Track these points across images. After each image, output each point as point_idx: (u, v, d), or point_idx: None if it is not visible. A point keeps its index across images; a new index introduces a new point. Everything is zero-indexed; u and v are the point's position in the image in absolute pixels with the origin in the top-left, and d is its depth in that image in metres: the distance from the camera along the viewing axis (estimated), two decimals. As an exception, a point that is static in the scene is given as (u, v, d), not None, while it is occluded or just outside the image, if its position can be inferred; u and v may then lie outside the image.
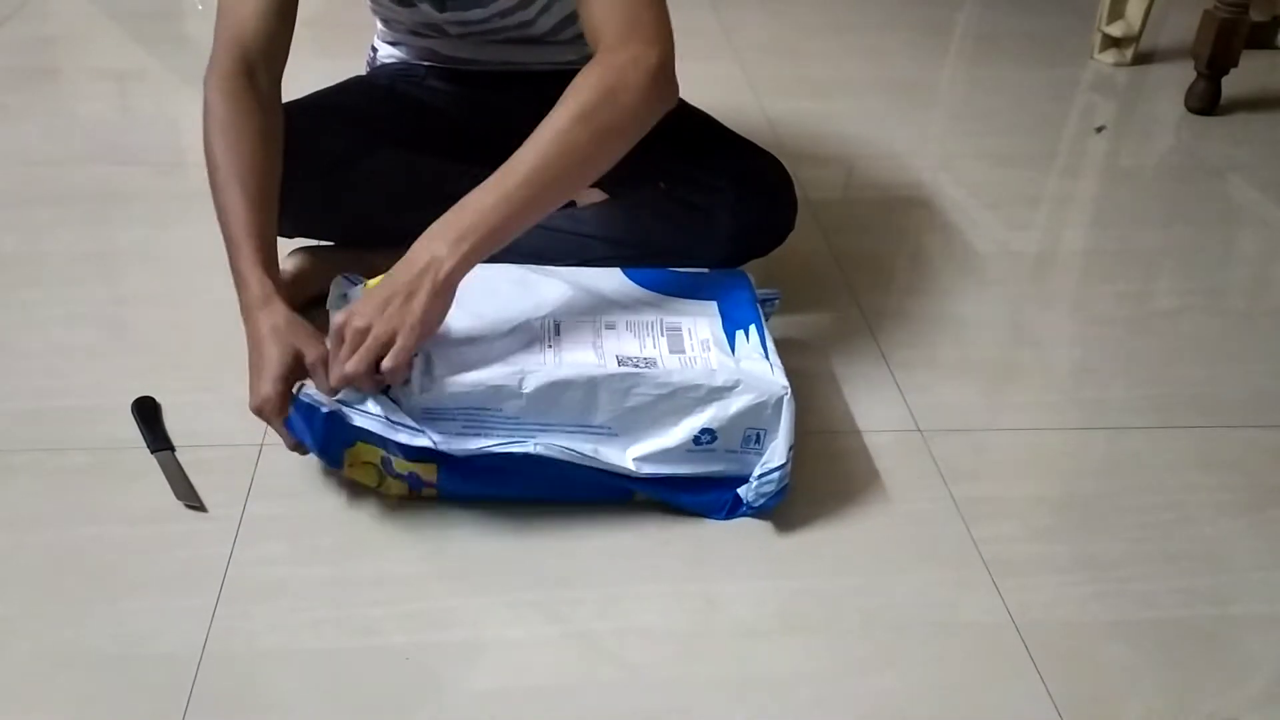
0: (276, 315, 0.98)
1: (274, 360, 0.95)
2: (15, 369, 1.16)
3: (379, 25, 1.34)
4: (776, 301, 1.12)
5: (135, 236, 1.41)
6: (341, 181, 1.15)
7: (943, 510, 1.03)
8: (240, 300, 1.00)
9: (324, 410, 0.92)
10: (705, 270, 1.13)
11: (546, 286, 1.06)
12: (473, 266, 0.94)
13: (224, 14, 1.08)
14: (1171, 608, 0.94)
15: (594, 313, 1.03)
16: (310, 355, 0.96)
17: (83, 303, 1.27)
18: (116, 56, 2.00)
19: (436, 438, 0.92)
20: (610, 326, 1.02)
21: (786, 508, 1.02)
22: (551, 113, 0.98)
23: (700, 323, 1.04)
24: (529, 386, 0.94)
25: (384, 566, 0.94)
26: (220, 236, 1.02)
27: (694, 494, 0.99)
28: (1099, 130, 1.87)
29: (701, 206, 1.19)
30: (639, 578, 0.95)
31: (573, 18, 1.22)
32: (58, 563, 0.93)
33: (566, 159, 0.96)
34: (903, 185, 1.65)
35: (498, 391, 0.94)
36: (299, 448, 0.97)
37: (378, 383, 0.93)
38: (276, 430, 0.97)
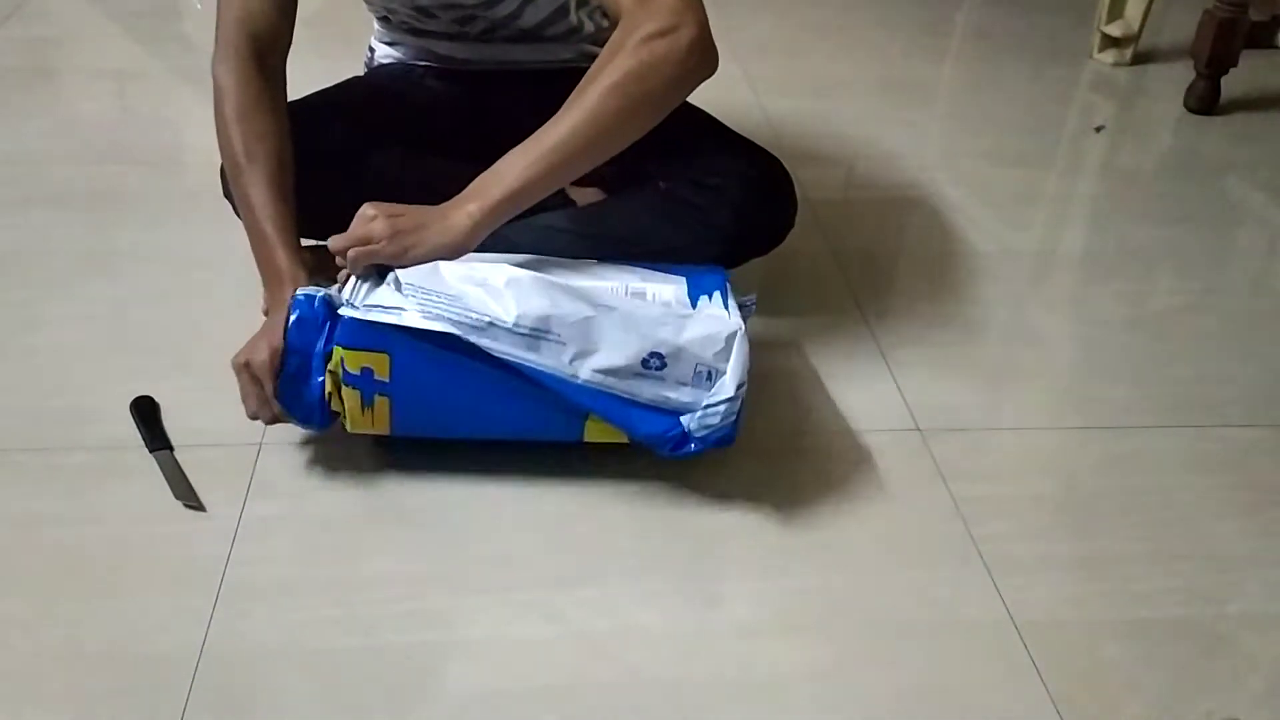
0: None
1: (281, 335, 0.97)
2: (14, 368, 1.16)
3: (376, 25, 1.34)
4: (752, 307, 1.11)
5: (134, 236, 1.41)
6: (339, 181, 1.15)
7: (942, 510, 1.03)
8: (277, 295, 1.01)
9: (320, 295, 0.95)
10: (682, 266, 1.12)
11: (516, 263, 1.06)
12: (495, 225, 0.99)
13: (226, 2, 1.08)
14: (1170, 607, 0.94)
15: (562, 282, 1.04)
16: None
17: (82, 302, 1.27)
18: (116, 56, 2.00)
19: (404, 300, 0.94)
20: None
21: (786, 507, 1.02)
22: (585, 82, 0.99)
23: (665, 288, 1.05)
24: (498, 279, 0.95)
25: (383, 566, 0.94)
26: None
27: (643, 421, 0.98)
28: (1098, 130, 1.87)
29: (701, 206, 1.19)
30: (639, 577, 0.95)
31: (563, 10, 1.22)
32: (56, 562, 0.93)
33: (598, 129, 0.98)
34: (902, 184, 1.65)
35: (467, 279, 0.95)
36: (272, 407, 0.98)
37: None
38: (247, 394, 0.99)
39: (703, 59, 1.01)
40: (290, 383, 0.97)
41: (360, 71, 1.37)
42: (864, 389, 1.19)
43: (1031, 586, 0.95)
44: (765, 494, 1.03)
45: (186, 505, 0.99)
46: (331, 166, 1.14)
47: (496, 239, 1.21)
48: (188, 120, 1.66)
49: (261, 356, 0.97)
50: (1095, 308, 1.38)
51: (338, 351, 0.95)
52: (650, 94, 0.99)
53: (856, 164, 1.72)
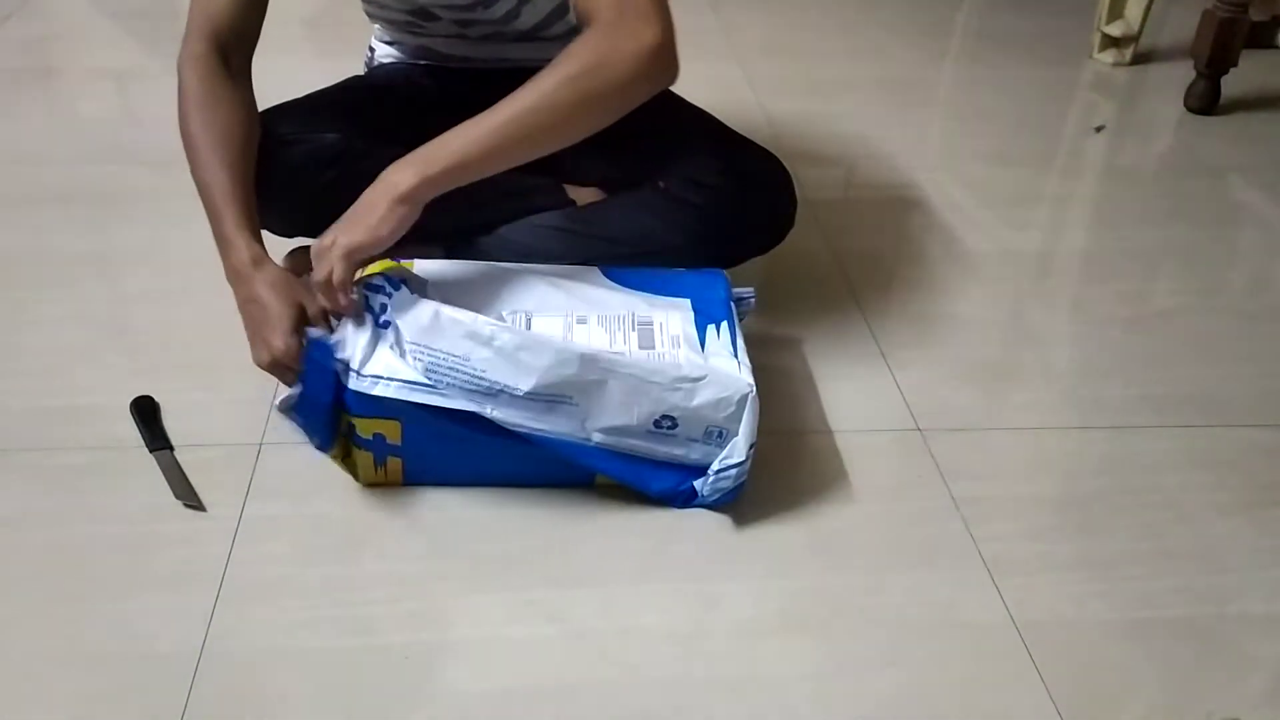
0: (272, 273, 1.01)
1: (283, 315, 0.97)
2: (14, 368, 1.16)
3: (376, 25, 1.34)
4: (752, 300, 1.12)
5: (134, 236, 1.41)
6: (339, 180, 1.14)
7: (942, 509, 1.03)
8: (228, 265, 1.02)
9: (329, 342, 0.94)
10: (683, 270, 1.12)
11: (519, 282, 1.06)
12: (434, 192, 0.98)
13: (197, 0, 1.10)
14: (1170, 606, 0.94)
15: (566, 307, 1.04)
16: (312, 308, 0.98)
17: (82, 302, 1.27)
18: (115, 56, 2.00)
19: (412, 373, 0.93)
20: (582, 321, 1.03)
21: (786, 507, 1.02)
22: (544, 70, 1.00)
23: (672, 317, 1.04)
24: (500, 340, 0.93)
25: (383, 566, 0.94)
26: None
27: (654, 478, 0.99)
28: (1098, 130, 1.86)
29: (701, 205, 1.19)
30: (639, 577, 0.95)
31: (561, 10, 1.22)
32: (56, 562, 0.93)
33: (545, 116, 0.98)
34: (902, 184, 1.65)
35: (473, 336, 0.94)
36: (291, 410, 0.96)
37: (349, 300, 0.97)
38: (289, 382, 0.97)
39: (663, 65, 1.01)
40: (302, 411, 0.96)
41: (360, 71, 1.37)
42: (864, 389, 1.19)
43: (1031, 586, 0.95)
44: (765, 494, 1.03)
45: (187, 505, 0.99)
46: (332, 166, 1.14)
47: (495, 237, 1.22)
48: (188, 120, 1.66)
49: (277, 347, 0.97)
50: (1095, 308, 1.38)
51: (346, 417, 0.95)
52: (605, 89, 0.99)
53: (856, 164, 1.72)
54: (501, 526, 0.98)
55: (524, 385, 0.93)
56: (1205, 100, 1.92)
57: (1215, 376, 1.25)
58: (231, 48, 1.11)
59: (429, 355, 0.94)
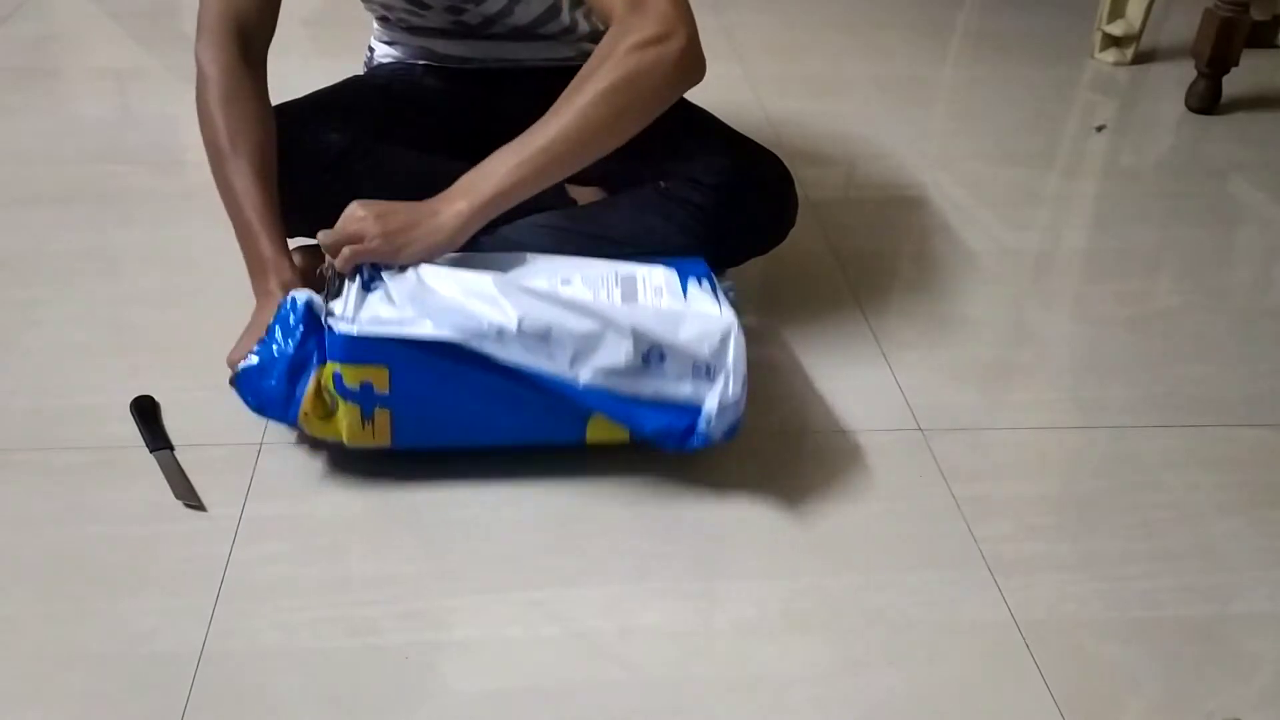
0: (289, 285, 1.02)
1: None
2: (14, 368, 1.16)
3: (375, 25, 1.34)
4: (732, 295, 1.12)
5: (135, 235, 1.41)
6: (339, 180, 1.15)
7: (943, 509, 1.03)
8: (263, 282, 1.03)
9: (302, 299, 0.96)
10: (664, 259, 1.12)
11: (502, 259, 1.07)
12: (483, 222, 1.01)
13: None
14: (1172, 606, 0.94)
15: (551, 273, 1.05)
16: None
17: (82, 302, 1.27)
18: (116, 55, 2.00)
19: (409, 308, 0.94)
20: (566, 281, 1.03)
21: (786, 507, 1.02)
22: (576, 85, 1.00)
23: (655, 272, 1.05)
24: (487, 286, 0.95)
25: (383, 565, 0.94)
26: (222, 230, 1.03)
27: (648, 417, 0.98)
28: (1099, 129, 1.86)
29: (702, 204, 1.19)
30: (640, 577, 0.95)
31: (554, 10, 1.22)
32: (56, 562, 0.93)
33: (585, 135, 1.00)
34: (903, 184, 1.65)
35: (464, 286, 0.95)
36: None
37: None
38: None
39: (691, 67, 1.03)
40: (252, 374, 0.97)
41: (360, 71, 1.37)
42: (864, 388, 1.19)
43: (1033, 586, 0.95)
44: (765, 493, 1.03)
45: (187, 505, 0.99)
46: (331, 166, 1.14)
47: (496, 237, 1.22)
48: (188, 119, 1.66)
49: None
50: (1096, 307, 1.38)
51: (332, 367, 0.95)
52: (638, 101, 1.01)
53: (857, 164, 1.72)
54: (501, 526, 0.98)
55: (513, 321, 0.93)
56: (1206, 100, 1.92)
57: (1216, 376, 1.25)
58: (251, 36, 1.11)
59: (421, 305, 0.94)
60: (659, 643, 0.89)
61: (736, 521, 1.00)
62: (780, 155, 1.24)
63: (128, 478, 1.02)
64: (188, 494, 1.00)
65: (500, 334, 0.94)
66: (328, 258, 1.02)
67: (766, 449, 1.09)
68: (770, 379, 1.18)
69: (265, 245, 1.04)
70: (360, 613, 0.90)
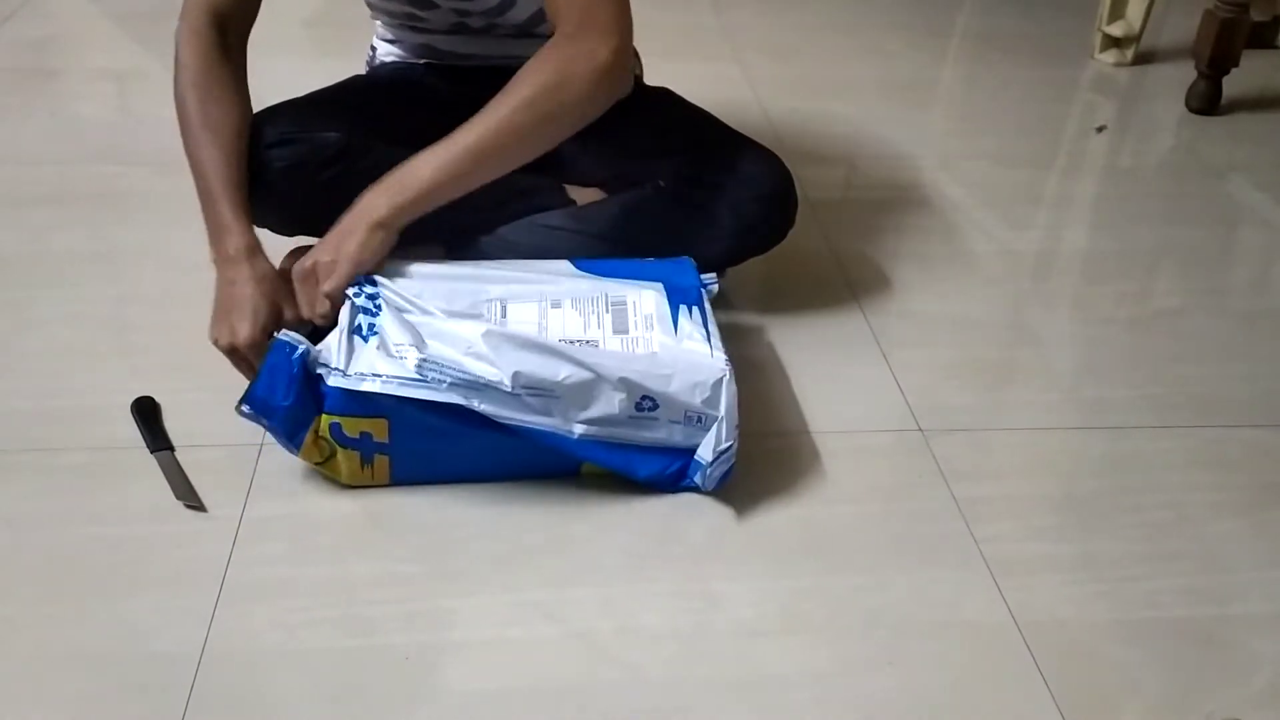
0: (263, 267, 1.04)
1: (260, 308, 1.01)
2: (15, 369, 1.16)
3: (377, 24, 1.34)
4: (715, 287, 1.12)
5: (135, 236, 1.41)
6: (340, 179, 1.15)
7: (943, 510, 1.03)
8: (220, 248, 1.05)
9: (300, 349, 0.95)
10: (651, 259, 1.13)
11: (492, 273, 1.07)
12: (408, 218, 1.03)
13: None
14: (1172, 607, 0.94)
15: (540, 293, 1.05)
16: (289, 314, 1.02)
17: (82, 303, 1.27)
18: (116, 57, 2.00)
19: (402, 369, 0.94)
20: (556, 305, 1.04)
21: (786, 507, 1.02)
22: (502, 92, 1.04)
23: (645, 296, 1.05)
24: (475, 336, 0.95)
25: (384, 566, 0.94)
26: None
27: (641, 463, 0.99)
28: (1099, 130, 1.86)
29: (701, 204, 1.19)
30: (639, 577, 0.95)
31: (543, 14, 1.22)
32: (57, 563, 0.93)
33: (507, 139, 1.04)
34: (903, 185, 1.65)
35: (458, 341, 0.95)
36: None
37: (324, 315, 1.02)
38: (242, 372, 1.01)
39: (614, 83, 1.06)
40: (254, 415, 0.97)
41: (362, 70, 1.37)
42: (865, 389, 1.19)
43: (1033, 587, 0.95)
44: (765, 493, 1.03)
45: (187, 506, 0.99)
46: (333, 164, 1.15)
47: (495, 238, 1.22)
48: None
49: (243, 334, 1.00)
50: (1096, 308, 1.38)
51: (330, 418, 0.96)
52: (560, 111, 1.04)
53: (857, 164, 1.72)
54: (501, 526, 0.98)
55: (506, 379, 0.93)
56: (1206, 100, 1.92)
57: (1216, 377, 1.25)
58: (230, 24, 1.13)
59: (416, 356, 0.94)
60: (658, 643, 0.89)
61: (736, 521, 1.00)
62: (780, 154, 1.24)
63: (128, 478, 1.02)
64: (188, 495, 1.00)
65: (494, 391, 0.94)
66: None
67: (767, 449, 1.09)
68: (770, 379, 1.19)
69: (224, 209, 1.05)
70: (360, 613, 0.90)
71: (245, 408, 0.96)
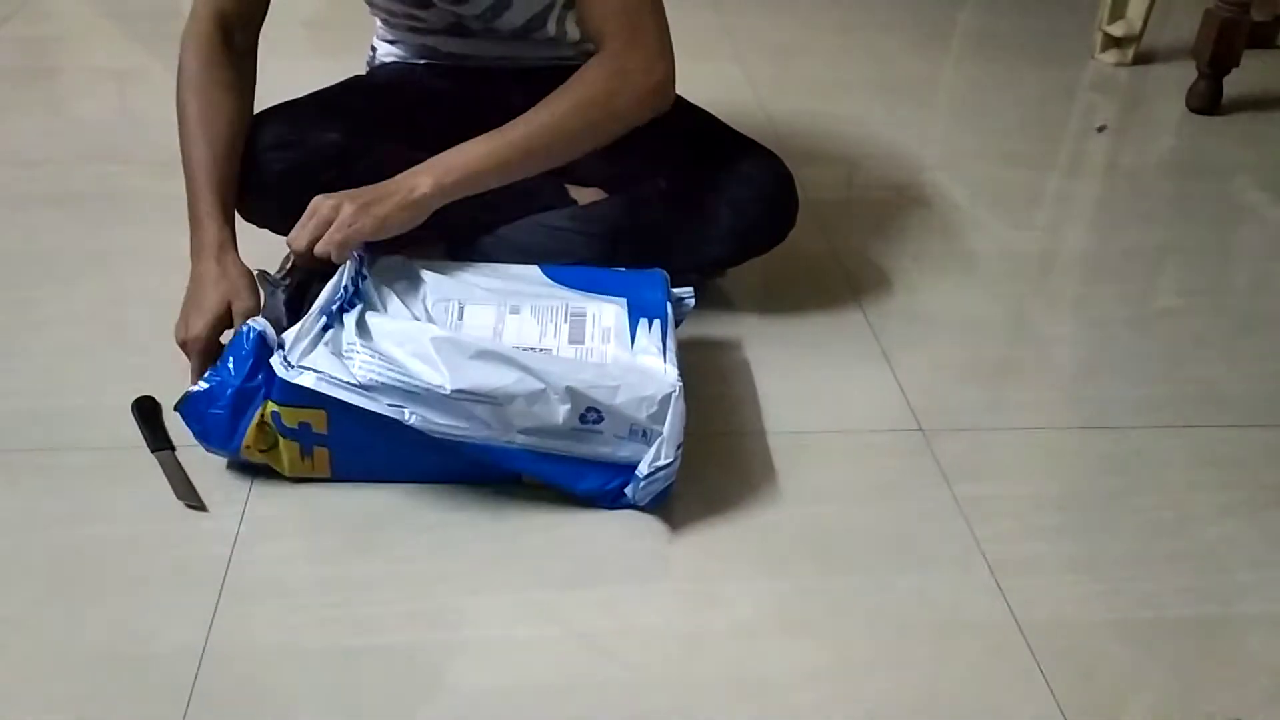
0: (227, 263, 1.05)
1: (212, 305, 1.02)
2: (15, 368, 1.16)
3: (378, 24, 1.34)
4: (691, 302, 1.11)
5: (135, 236, 1.41)
6: (340, 179, 1.15)
7: (945, 510, 1.03)
8: (194, 242, 1.06)
9: (257, 329, 0.96)
10: (622, 270, 1.12)
11: (456, 275, 1.08)
12: (446, 199, 1.04)
13: None
14: (1175, 607, 0.94)
15: (500, 298, 1.05)
16: (238, 305, 1.02)
17: (83, 302, 1.27)
18: (116, 56, 2.00)
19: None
20: (515, 310, 1.03)
21: (787, 507, 1.02)
22: (557, 93, 1.07)
23: (606, 310, 1.05)
24: (424, 340, 0.94)
25: (385, 565, 0.94)
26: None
27: (580, 477, 0.98)
28: (1100, 130, 1.86)
29: (702, 205, 1.19)
30: (641, 577, 0.94)
31: (541, 19, 1.22)
32: (58, 562, 0.93)
33: (556, 138, 1.08)
34: (904, 185, 1.65)
35: (404, 337, 0.95)
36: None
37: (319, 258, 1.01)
38: (193, 369, 1.02)
39: (665, 98, 1.12)
40: (199, 400, 0.97)
41: (362, 71, 1.37)
42: (866, 389, 1.19)
43: (1035, 587, 0.95)
44: (766, 493, 1.03)
45: (188, 505, 0.99)
46: (334, 165, 1.14)
47: (496, 237, 1.22)
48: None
49: (193, 330, 1.01)
50: (1097, 308, 1.38)
51: (271, 405, 0.95)
52: (611, 119, 1.09)
53: (858, 164, 1.72)
54: (501, 527, 0.98)
55: (447, 383, 0.92)
56: (1207, 100, 1.92)
57: (1218, 376, 1.25)
58: (237, 26, 1.13)
59: (359, 354, 0.94)
60: (660, 642, 0.89)
61: (735, 521, 1.00)
62: (781, 154, 1.24)
63: (129, 478, 1.02)
64: (189, 494, 1.00)
65: (433, 397, 0.93)
66: (291, 257, 1.03)
67: (767, 449, 1.09)
68: (770, 379, 1.18)
69: (201, 205, 1.07)
70: (362, 613, 0.90)
71: (191, 394, 0.96)
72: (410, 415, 0.93)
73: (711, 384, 1.16)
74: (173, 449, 1.05)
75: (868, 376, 1.21)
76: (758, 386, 1.17)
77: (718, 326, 1.24)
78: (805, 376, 1.20)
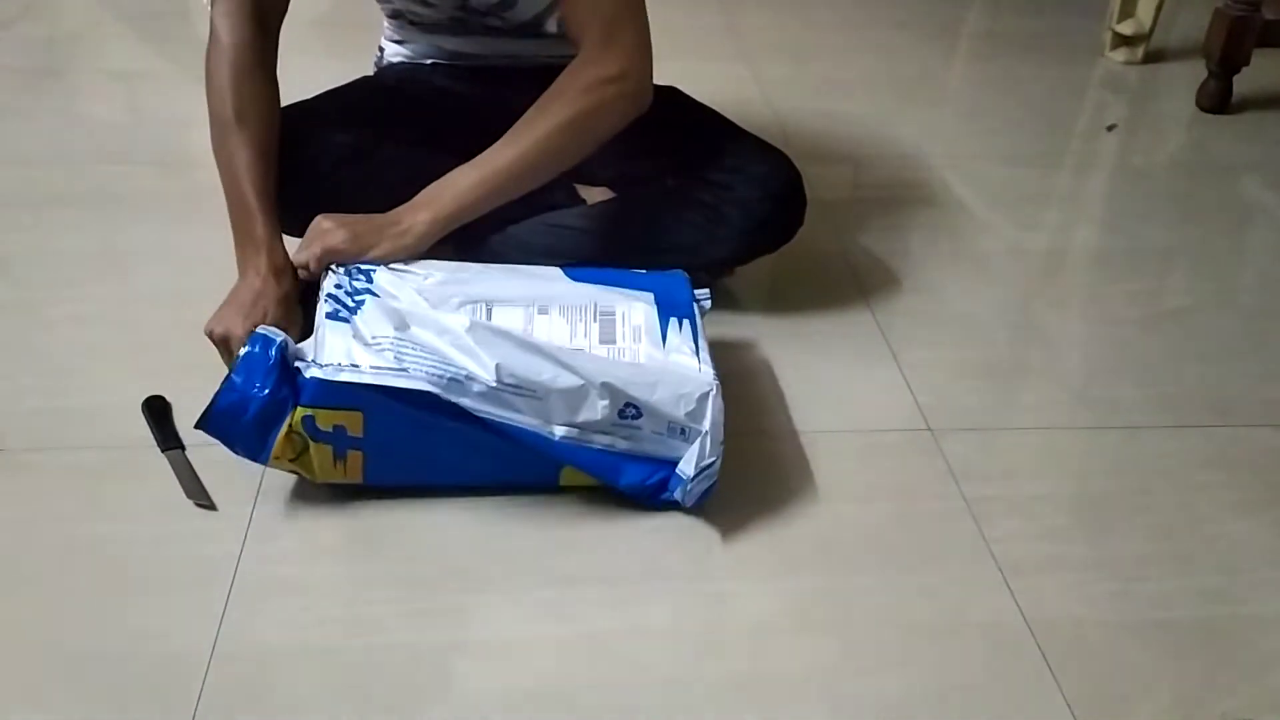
0: (285, 289, 1.05)
1: (258, 318, 1.01)
2: (26, 368, 1.16)
3: (386, 24, 1.34)
4: (707, 303, 1.11)
5: (144, 236, 1.41)
6: (348, 179, 1.15)
7: (954, 509, 1.03)
8: (252, 262, 1.05)
9: (279, 340, 0.95)
10: (644, 272, 1.11)
11: (481, 275, 1.07)
12: (443, 233, 1.06)
13: None
14: (1184, 607, 0.94)
15: (528, 298, 1.04)
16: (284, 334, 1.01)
17: (92, 302, 1.28)
18: (124, 57, 2.01)
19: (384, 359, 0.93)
20: (543, 311, 1.02)
21: (796, 506, 1.02)
22: (537, 110, 1.08)
23: (635, 308, 1.04)
24: (459, 328, 0.94)
25: (393, 565, 0.94)
26: (226, 217, 1.07)
27: (623, 471, 0.97)
28: (1110, 129, 1.86)
29: (710, 204, 1.19)
30: (648, 577, 0.94)
31: (553, 8, 1.22)
32: (67, 561, 0.93)
33: (541, 159, 1.09)
34: (912, 184, 1.64)
35: (442, 330, 0.95)
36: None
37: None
38: (226, 361, 1.02)
39: (641, 104, 1.12)
40: (222, 416, 0.95)
41: (370, 71, 1.37)
42: (874, 388, 1.19)
43: (1044, 587, 0.95)
44: (775, 493, 1.03)
45: (198, 504, 0.99)
46: (341, 166, 1.15)
47: (505, 236, 1.22)
48: (197, 120, 1.67)
49: (239, 333, 1.00)
50: (1107, 307, 1.37)
51: (304, 410, 0.93)
52: (592, 133, 1.10)
53: (866, 163, 1.71)
54: (509, 526, 0.98)
55: (490, 372, 0.92)
56: (1217, 99, 1.91)
57: (1228, 376, 1.24)
58: (268, 11, 1.13)
59: (396, 345, 0.93)
60: (668, 642, 0.89)
61: (746, 521, 1.00)
62: (788, 154, 1.24)
63: (139, 477, 1.02)
64: (199, 493, 1.00)
65: (476, 385, 0.93)
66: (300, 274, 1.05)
67: (775, 449, 1.09)
68: (778, 378, 1.18)
69: (260, 225, 1.06)
70: (370, 612, 0.90)
71: (215, 410, 0.94)
72: (456, 396, 0.92)
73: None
74: (183, 448, 1.05)
75: (876, 376, 1.21)
76: (763, 386, 1.17)
77: (725, 326, 1.24)
78: (813, 376, 1.19)
